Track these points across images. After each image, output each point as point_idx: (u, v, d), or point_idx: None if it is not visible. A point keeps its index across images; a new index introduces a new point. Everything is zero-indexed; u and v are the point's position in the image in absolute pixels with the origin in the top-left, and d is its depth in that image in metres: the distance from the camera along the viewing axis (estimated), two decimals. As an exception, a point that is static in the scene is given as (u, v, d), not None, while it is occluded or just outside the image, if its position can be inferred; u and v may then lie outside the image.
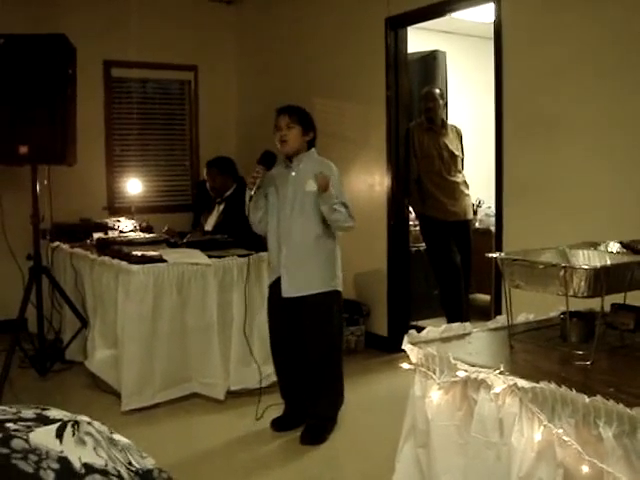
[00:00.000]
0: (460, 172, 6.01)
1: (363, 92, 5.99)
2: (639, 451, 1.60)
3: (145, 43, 7.03)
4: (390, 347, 5.56)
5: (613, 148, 4.00)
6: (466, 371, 2.03)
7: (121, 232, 6.03)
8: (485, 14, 5.81)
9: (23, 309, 5.03)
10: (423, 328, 2.38)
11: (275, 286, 4.04)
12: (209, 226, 5.81)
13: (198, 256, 4.72)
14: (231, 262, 4.70)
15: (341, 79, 6.21)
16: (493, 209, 4.94)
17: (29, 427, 0.57)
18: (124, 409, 4.37)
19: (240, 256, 4.75)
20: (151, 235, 5.82)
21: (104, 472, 0.58)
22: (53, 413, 0.62)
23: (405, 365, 2.27)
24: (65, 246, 5.65)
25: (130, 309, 4.43)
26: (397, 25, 5.66)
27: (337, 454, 3.89)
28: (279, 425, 4.14)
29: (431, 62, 7.16)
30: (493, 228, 5.01)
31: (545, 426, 1.77)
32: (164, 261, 4.57)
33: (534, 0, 4.46)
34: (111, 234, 5.90)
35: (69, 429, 0.59)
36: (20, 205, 5.55)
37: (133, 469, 0.64)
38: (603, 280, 1.98)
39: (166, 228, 6.04)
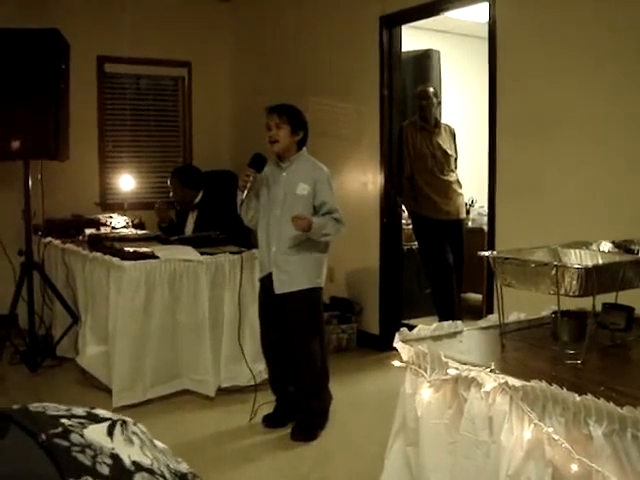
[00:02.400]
0: (453, 171, 6.01)
1: (357, 90, 5.98)
2: (628, 450, 1.60)
3: (139, 39, 7.01)
4: (381, 345, 5.57)
5: (607, 148, 4.00)
6: (457, 369, 2.03)
7: (113, 228, 6.01)
8: (479, 14, 5.81)
9: (14, 305, 5.02)
10: (414, 327, 2.38)
11: (265, 281, 4.07)
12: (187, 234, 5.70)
13: (190, 253, 4.71)
14: (223, 259, 4.69)
15: (335, 77, 6.21)
16: (486, 208, 4.95)
17: (82, 424, 0.59)
18: (115, 405, 4.35)
19: (232, 253, 4.74)
20: (143, 231, 5.81)
21: (151, 471, 0.60)
22: (101, 412, 0.64)
23: (396, 363, 2.27)
24: (57, 242, 5.62)
25: (121, 305, 4.41)
26: (391, 24, 5.66)
27: (327, 451, 3.89)
28: (270, 422, 4.15)
29: (425, 61, 7.17)
30: (486, 227, 5.01)
31: (535, 425, 1.77)
32: (156, 257, 4.56)
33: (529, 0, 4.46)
34: (103, 230, 5.88)
35: (118, 428, 0.61)
36: (12, 200, 5.54)
37: (172, 471, 0.66)
38: (595, 279, 1.99)
39: (158, 202, 5.98)
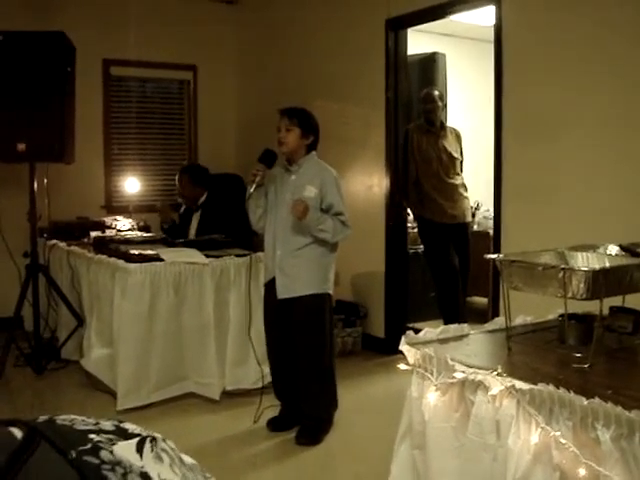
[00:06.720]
0: (459, 174, 5.99)
1: (362, 93, 5.98)
2: (637, 454, 1.59)
3: (145, 42, 7.01)
4: (387, 349, 5.55)
5: (613, 151, 3.99)
6: (463, 372, 2.02)
7: (118, 231, 6.01)
8: (485, 17, 5.80)
9: (19, 307, 5.02)
10: (420, 330, 2.37)
11: (270, 286, 4.05)
12: (191, 236, 5.67)
13: (195, 255, 4.71)
14: (228, 262, 4.68)
15: (341, 80, 6.20)
16: (491, 212, 4.94)
17: (111, 440, 0.58)
18: (119, 408, 4.35)
19: (238, 256, 4.74)
20: (148, 234, 5.81)
21: None
22: (130, 426, 0.63)
23: (402, 366, 2.26)
24: (62, 244, 5.63)
25: (126, 308, 4.41)
26: (397, 27, 5.66)
27: (332, 455, 3.88)
28: (275, 425, 4.13)
29: (431, 64, 7.16)
30: (491, 231, 5.00)
31: (542, 428, 1.76)
32: (161, 260, 4.55)
33: (535, 3, 4.45)
34: (108, 233, 5.88)
35: (148, 444, 0.60)
36: (17, 203, 5.54)
37: None
38: (602, 282, 1.97)
39: (160, 202, 5.93)
